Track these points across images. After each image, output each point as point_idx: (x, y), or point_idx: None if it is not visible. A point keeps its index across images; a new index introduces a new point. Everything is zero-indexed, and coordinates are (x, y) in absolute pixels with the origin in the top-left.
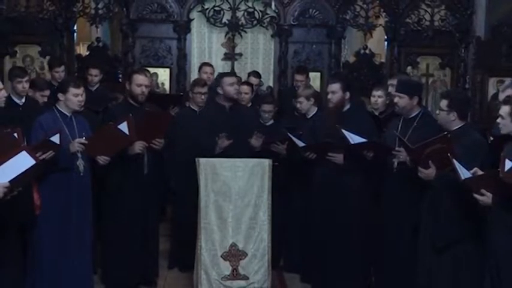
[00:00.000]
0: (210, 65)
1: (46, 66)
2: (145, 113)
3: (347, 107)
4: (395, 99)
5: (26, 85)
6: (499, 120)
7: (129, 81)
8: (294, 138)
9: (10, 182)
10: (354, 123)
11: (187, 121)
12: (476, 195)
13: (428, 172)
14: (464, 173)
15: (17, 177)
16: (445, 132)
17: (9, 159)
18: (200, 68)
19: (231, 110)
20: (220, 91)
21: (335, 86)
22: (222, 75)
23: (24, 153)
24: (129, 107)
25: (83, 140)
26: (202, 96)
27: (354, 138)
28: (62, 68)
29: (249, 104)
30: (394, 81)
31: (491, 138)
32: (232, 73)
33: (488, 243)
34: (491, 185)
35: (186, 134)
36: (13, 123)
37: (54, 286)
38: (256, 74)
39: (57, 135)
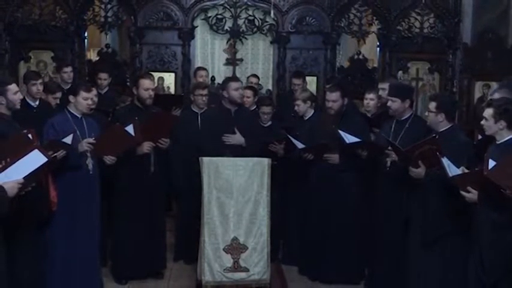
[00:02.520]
0: (205, 69)
1: None
2: (152, 114)
3: (343, 109)
4: (389, 103)
5: (40, 87)
6: (483, 122)
7: (136, 86)
8: (293, 140)
9: (24, 178)
10: (350, 124)
11: (189, 122)
12: (462, 192)
13: (418, 171)
14: (452, 171)
15: (30, 174)
16: (433, 135)
17: (22, 157)
18: (195, 72)
19: (236, 113)
20: (225, 95)
21: (335, 95)
22: (228, 79)
23: (36, 151)
24: (136, 110)
25: (91, 140)
26: (204, 98)
27: (350, 138)
28: (70, 68)
29: (253, 107)
30: (384, 85)
31: (479, 137)
32: (237, 78)
33: (473, 238)
34: (476, 182)
35: (187, 134)
36: (27, 124)
37: (65, 279)
38: (255, 76)
39: (71, 136)
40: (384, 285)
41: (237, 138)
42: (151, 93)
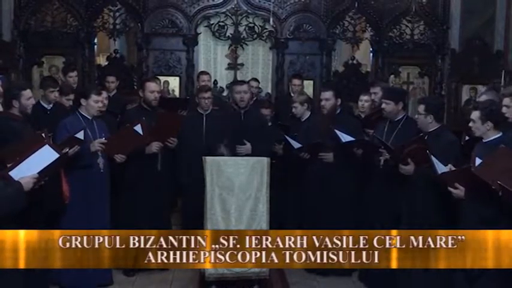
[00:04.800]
0: (207, 73)
1: None
2: (161, 115)
3: (338, 111)
4: (383, 105)
5: (57, 94)
6: (471, 124)
7: (143, 89)
8: (289, 140)
9: (38, 173)
10: (345, 124)
11: (195, 123)
12: (450, 189)
13: (408, 168)
14: (440, 169)
15: (44, 169)
16: (421, 134)
17: (33, 152)
18: (198, 76)
19: (245, 114)
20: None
21: (328, 94)
22: (232, 83)
23: (47, 147)
24: (144, 111)
25: (102, 140)
26: (206, 101)
27: (345, 138)
28: (75, 73)
29: None
30: (375, 89)
31: (467, 138)
32: (241, 82)
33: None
34: (463, 179)
35: (193, 134)
36: (41, 125)
37: (77, 272)
38: (256, 80)
39: (82, 132)
40: (375, 276)
41: (246, 148)
42: (157, 95)
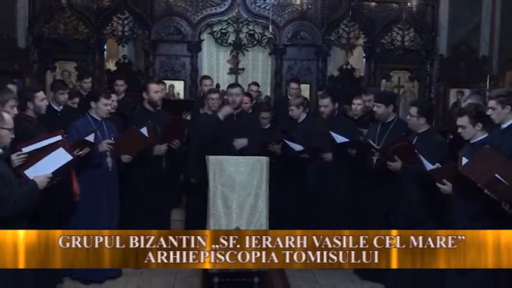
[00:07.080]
0: (209, 78)
1: None
2: (170, 120)
3: (336, 113)
4: (375, 108)
5: (67, 96)
6: (460, 130)
7: (146, 91)
8: (289, 143)
9: (52, 173)
10: (341, 126)
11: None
12: (438, 184)
13: (395, 165)
14: (428, 166)
15: (57, 169)
16: (403, 134)
17: (48, 154)
18: (201, 80)
19: (237, 116)
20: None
21: (326, 101)
22: (228, 86)
23: (61, 149)
24: (147, 113)
25: (110, 140)
26: (214, 101)
27: (340, 139)
28: (90, 79)
29: (250, 111)
30: (368, 97)
31: (451, 137)
32: (236, 84)
33: (449, 225)
34: (450, 176)
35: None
36: (52, 126)
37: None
38: (256, 84)
39: (92, 135)
40: (368, 269)
41: (241, 142)
42: (161, 95)
